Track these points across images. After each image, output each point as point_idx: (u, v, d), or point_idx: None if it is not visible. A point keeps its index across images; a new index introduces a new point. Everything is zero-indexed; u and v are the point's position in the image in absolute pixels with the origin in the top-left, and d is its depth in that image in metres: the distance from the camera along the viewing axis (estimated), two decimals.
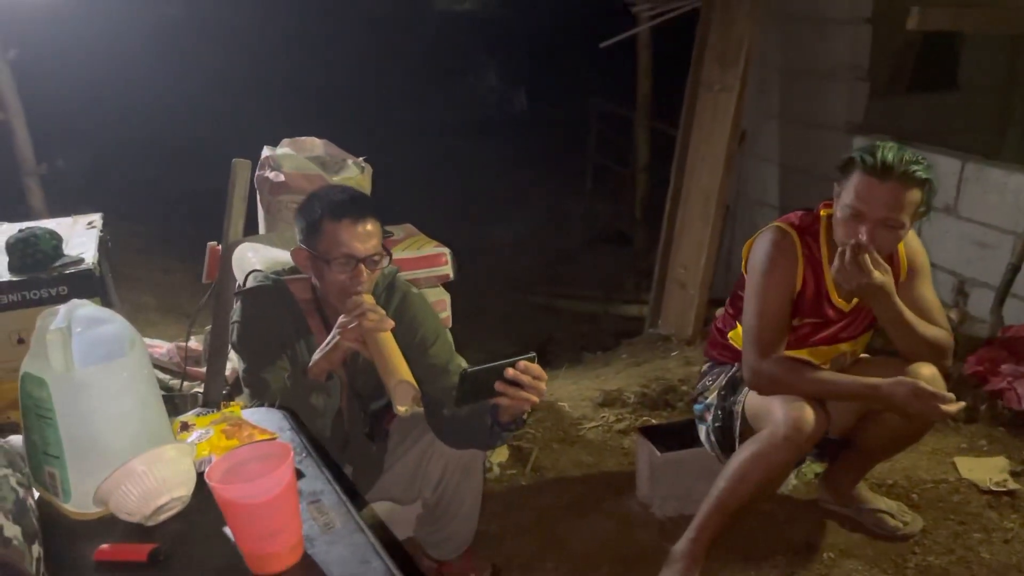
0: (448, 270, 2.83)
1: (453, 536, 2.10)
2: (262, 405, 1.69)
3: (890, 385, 1.93)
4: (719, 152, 4.03)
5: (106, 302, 2.90)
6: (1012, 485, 2.52)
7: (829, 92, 4.48)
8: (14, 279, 2.75)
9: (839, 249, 1.94)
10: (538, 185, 8.50)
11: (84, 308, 1.25)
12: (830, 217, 2.08)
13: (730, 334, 2.30)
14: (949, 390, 1.95)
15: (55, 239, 2.86)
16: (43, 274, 2.77)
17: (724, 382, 2.27)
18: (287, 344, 1.89)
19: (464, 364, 1.94)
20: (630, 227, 6.59)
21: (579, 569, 2.30)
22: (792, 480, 2.55)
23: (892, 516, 2.35)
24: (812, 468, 2.60)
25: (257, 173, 2.86)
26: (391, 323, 1.72)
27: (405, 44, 10.85)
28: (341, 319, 1.74)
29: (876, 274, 1.90)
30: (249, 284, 1.95)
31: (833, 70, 4.44)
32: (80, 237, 3.11)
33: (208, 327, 3.06)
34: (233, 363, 2.79)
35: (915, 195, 1.90)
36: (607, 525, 2.47)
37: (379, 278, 1.90)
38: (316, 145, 3.02)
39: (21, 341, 2.72)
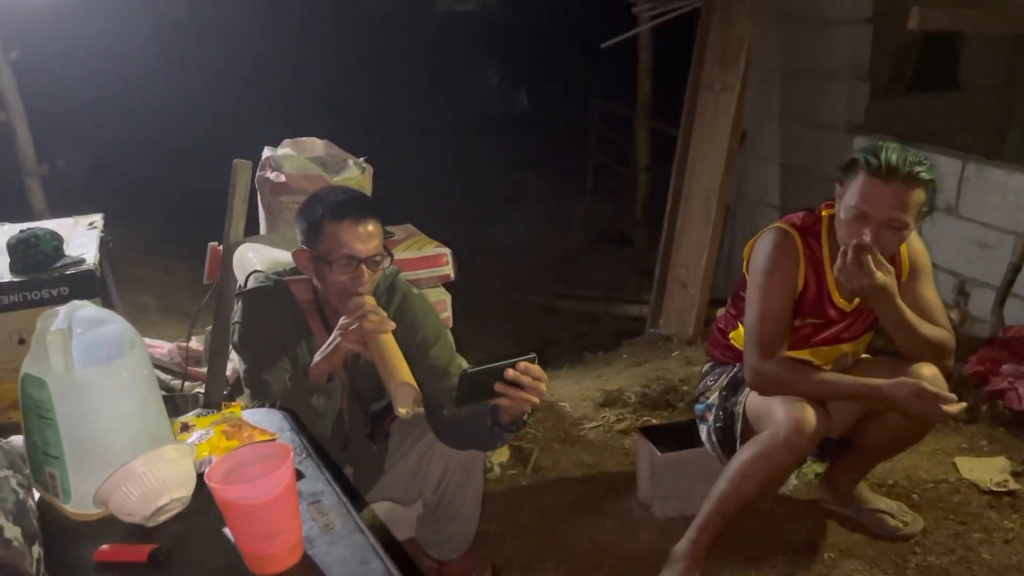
0: (449, 270, 2.83)
1: (454, 536, 2.10)
2: (263, 406, 1.69)
3: (891, 386, 1.93)
4: (720, 152, 4.03)
5: (107, 303, 2.90)
6: (1013, 485, 2.52)
7: (830, 92, 4.47)
8: (15, 280, 2.75)
9: (841, 249, 1.94)
10: (539, 185, 8.50)
11: (84, 309, 1.25)
12: (832, 217, 2.08)
13: (731, 334, 2.30)
14: (950, 390, 1.95)
15: (56, 240, 2.87)
16: (44, 275, 2.77)
17: (725, 382, 2.27)
18: (288, 345, 1.89)
19: (465, 365, 1.94)
20: (631, 227, 6.59)
21: (579, 569, 2.30)
22: (793, 480, 2.55)
23: (892, 516, 2.35)
24: (812, 468, 2.60)
25: (258, 174, 2.86)
26: (392, 324, 1.72)
27: (406, 44, 10.84)
28: (342, 320, 1.74)
29: (878, 275, 1.90)
30: (250, 285, 1.95)
31: (834, 70, 4.44)
32: (81, 238, 3.11)
33: (209, 327, 3.06)
34: (234, 363, 2.79)
35: (919, 195, 1.90)
36: (607, 525, 2.47)
37: (380, 279, 1.90)
38: (317, 145, 3.02)
39: (22, 341, 2.72)
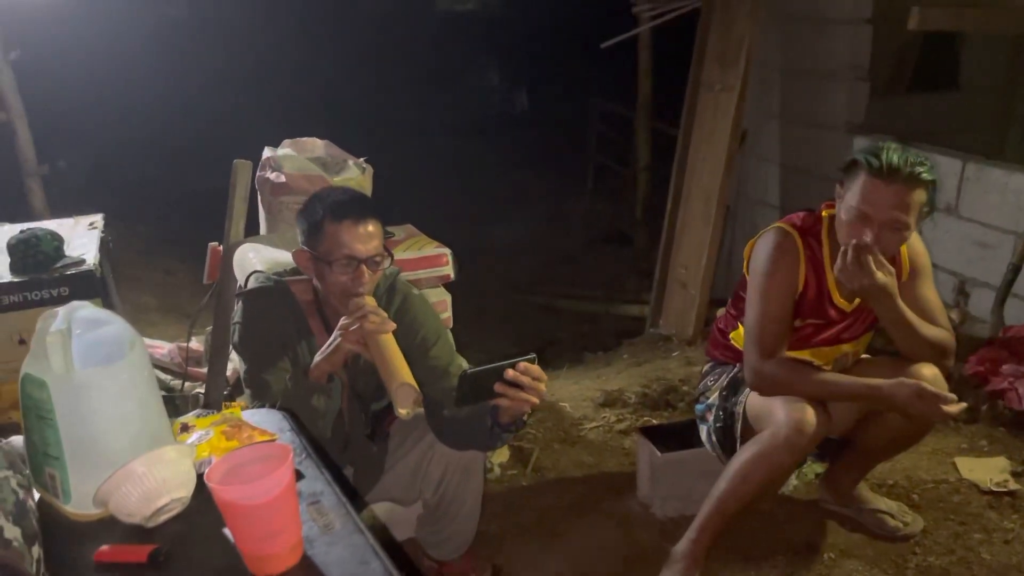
0: (449, 270, 2.83)
1: (454, 536, 2.10)
2: (263, 406, 1.69)
3: (892, 386, 1.93)
4: (720, 152, 4.03)
5: (107, 303, 2.90)
6: (1013, 485, 2.52)
7: (830, 92, 4.47)
8: (15, 280, 2.75)
9: (841, 248, 1.94)
10: (539, 185, 8.50)
11: (84, 310, 1.25)
12: (832, 218, 2.08)
13: (731, 334, 2.30)
14: (950, 390, 1.95)
15: (56, 240, 2.87)
16: (44, 275, 2.77)
17: (725, 382, 2.27)
18: (288, 345, 1.89)
19: (465, 365, 1.95)
20: (631, 227, 6.59)
21: (579, 569, 2.30)
22: (793, 480, 2.55)
23: (892, 516, 2.35)
24: (813, 468, 2.60)
25: (258, 174, 2.86)
26: (392, 325, 1.72)
27: (406, 44, 10.84)
28: (342, 321, 1.74)
29: (879, 275, 1.90)
30: (251, 285, 1.95)
31: (834, 70, 4.43)
32: (81, 238, 3.11)
33: (209, 328, 3.07)
34: (234, 363, 2.79)
35: (920, 196, 1.91)
36: (608, 525, 2.47)
37: (380, 279, 1.90)
38: (317, 146, 3.02)
39: (23, 342, 2.72)
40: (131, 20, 8.35)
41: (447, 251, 2.82)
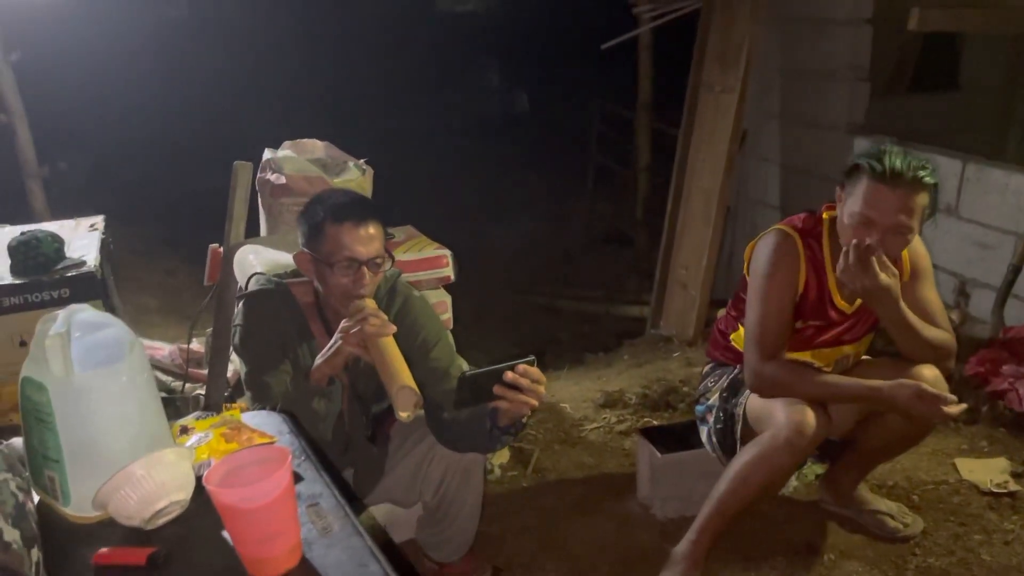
0: (449, 272, 2.83)
1: (454, 538, 2.10)
2: (264, 408, 1.69)
3: (892, 387, 1.93)
4: (720, 153, 4.03)
5: (108, 304, 2.90)
6: (1013, 486, 2.52)
7: (830, 93, 4.47)
8: (16, 282, 2.75)
9: (844, 249, 1.93)
10: (539, 186, 8.50)
11: (83, 312, 1.25)
12: (833, 220, 2.08)
13: (732, 336, 2.30)
14: (950, 391, 1.95)
15: (57, 242, 2.87)
16: (45, 277, 2.77)
17: (726, 384, 2.27)
18: (289, 347, 1.89)
19: (465, 366, 1.95)
20: (631, 227, 6.58)
21: (579, 570, 2.30)
22: (793, 481, 2.55)
23: (892, 517, 2.35)
24: (813, 469, 2.60)
25: (258, 175, 2.86)
26: (393, 328, 1.72)
27: (406, 45, 10.85)
28: (343, 324, 1.74)
29: (883, 277, 1.89)
30: (251, 287, 1.95)
31: (834, 71, 4.43)
32: (82, 240, 3.11)
33: (210, 329, 3.07)
34: (235, 365, 2.79)
35: (923, 199, 1.91)
36: (608, 526, 2.47)
37: (381, 281, 1.90)
38: (317, 147, 3.02)
39: (23, 344, 2.72)
40: (131, 21, 8.34)
41: (447, 252, 2.82)
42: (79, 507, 1.21)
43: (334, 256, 1.77)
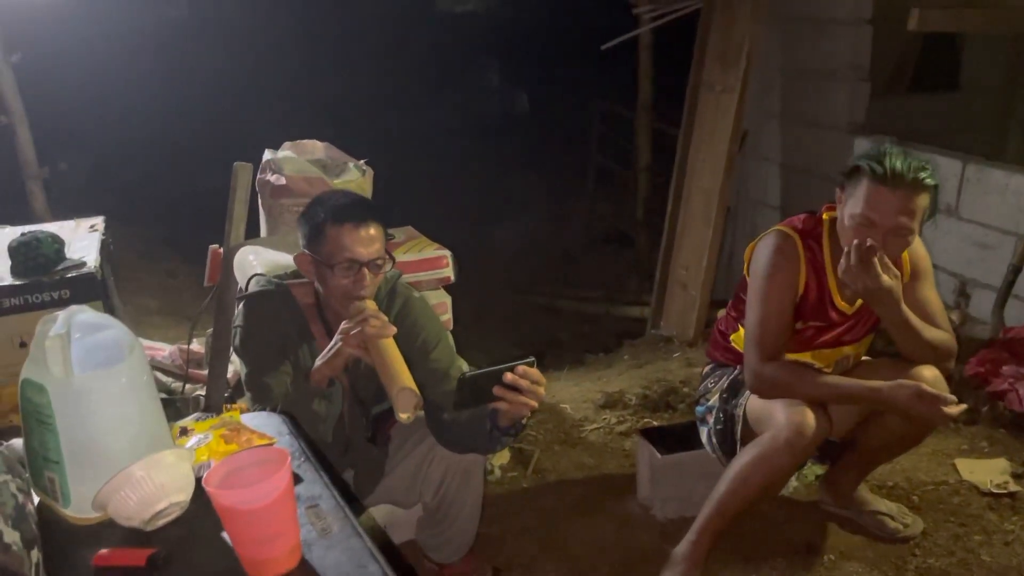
0: (449, 273, 2.83)
1: (454, 539, 2.10)
2: (264, 409, 1.70)
3: (892, 388, 1.93)
4: (720, 153, 4.03)
5: (108, 305, 2.90)
6: (1013, 487, 2.52)
7: (830, 92, 4.47)
8: (16, 283, 2.75)
9: (846, 249, 1.93)
10: (539, 186, 8.50)
11: (83, 314, 1.26)
12: (833, 220, 2.08)
13: (732, 336, 2.30)
14: (951, 392, 1.95)
15: (57, 243, 2.87)
16: (45, 278, 2.77)
17: (726, 385, 2.27)
18: (289, 349, 1.89)
19: (465, 367, 1.95)
20: (632, 228, 6.58)
21: (580, 571, 2.30)
22: (793, 482, 2.55)
23: (892, 518, 2.35)
24: (813, 470, 2.60)
25: (258, 176, 2.86)
26: (393, 329, 1.72)
27: (406, 46, 10.85)
28: (343, 325, 1.74)
29: (885, 278, 1.89)
30: (252, 288, 1.95)
31: (834, 70, 4.44)
32: (82, 240, 3.11)
33: (210, 330, 3.07)
34: (235, 366, 2.79)
35: (924, 201, 1.91)
36: (608, 527, 2.47)
37: (381, 282, 1.90)
38: (317, 148, 3.02)
39: (23, 345, 2.72)
40: (131, 21, 8.35)
41: (447, 253, 2.82)
42: (79, 508, 1.21)
43: (335, 257, 1.77)
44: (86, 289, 2.78)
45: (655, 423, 3.06)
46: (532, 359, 1.62)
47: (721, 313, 2.42)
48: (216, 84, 8.81)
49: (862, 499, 2.39)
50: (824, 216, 2.12)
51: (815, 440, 1.95)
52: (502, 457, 2.83)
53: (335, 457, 1.86)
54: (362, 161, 2.97)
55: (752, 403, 2.14)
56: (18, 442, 1.29)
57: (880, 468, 2.43)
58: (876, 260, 1.88)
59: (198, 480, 1.23)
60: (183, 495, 1.20)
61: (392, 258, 1.86)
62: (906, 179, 1.87)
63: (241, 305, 1.94)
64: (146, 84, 8.25)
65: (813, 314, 2.12)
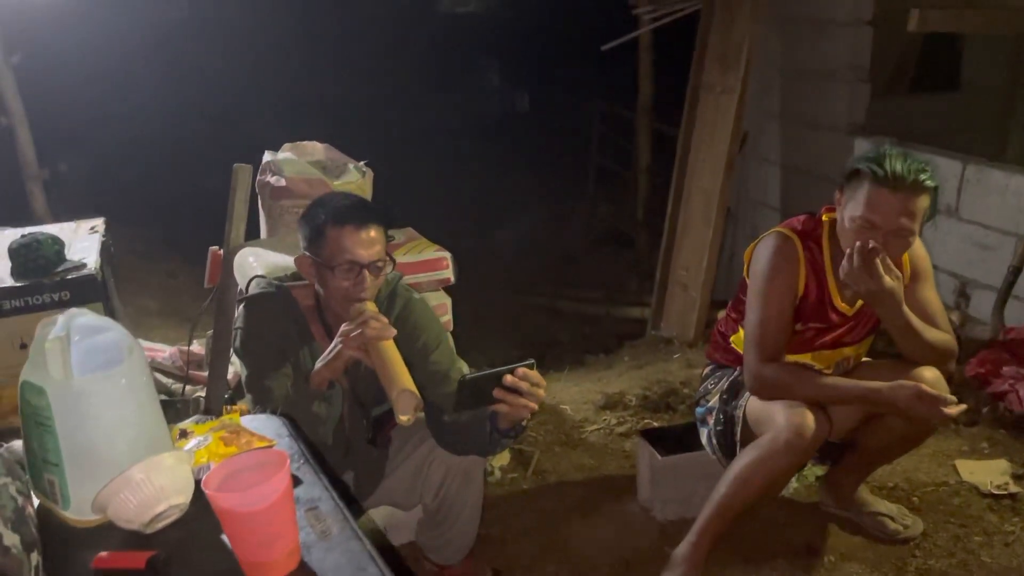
0: (449, 274, 2.82)
1: (454, 541, 2.10)
2: (265, 411, 1.70)
3: (892, 389, 1.93)
4: (720, 154, 4.03)
5: (108, 307, 2.90)
6: (1013, 488, 2.52)
7: (830, 93, 4.47)
8: (16, 284, 2.75)
9: (848, 251, 1.93)
10: (540, 187, 8.49)
11: (83, 316, 1.25)
12: (832, 222, 2.08)
13: (732, 338, 2.30)
14: (951, 392, 1.95)
15: (57, 244, 2.87)
16: (45, 279, 2.77)
17: (726, 386, 2.27)
18: (290, 351, 1.89)
19: (466, 369, 1.95)
20: (632, 228, 6.59)
21: (580, 572, 2.30)
22: (793, 483, 2.55)
23: (893, 519, 2.35)
24: (813, 471, 2.60)
25: (258, 178, 2.86)
26: (393, 331, 1.72)
27: (407, 46, 10.85)
28: (343, 327, 1.73)
29: (887, 280, 1.89)
30: (252, 290, 1.95)
31: (834, 71, 4.44)
32: (83, 242, 3.11)
33: (210, 331, 3.06)
34: (235, 367, 2.79)
35: (924, 202, 1.91)
36: (608, 528, 2.47)
37: (382, 284, 1.90)
38: (317, 149, 3.02)
39: (24, 346, 2.72)
40: (132, 22, 8.35)
41: (447, 255, 2.82)
42: (79, 511, 1.21)
43: (335, 259, 1.77)
44: (86, 290, 2.78)
45: (655, 424, 3.06)
46: (532, 361, 1.62)
47: (721, 314, 2.42)
48: (216, 84, 8.81)
49: (862, 500, 2.39)
50: (824, 217, 2.12)
51: (815, 441, 1.95)
52: (502, 458, 2.83)
53: (335, 459, 1.86)
54: (362, 163, 2.96)
55: (752, 404, 2.14)
56: (19, 443, 1.29)
57: (880, 469, 2.43)
58: (878, 262, 1.88)
59: (197, 482, 1.23)
60: (182, 497, 1.20)
61: (393, 260, 1.86)
62: (907, 181, 1.87)
63: (241, 307, 1.94)
64: (146, 85, 8.25)
65: (813, 315, 2.12)
